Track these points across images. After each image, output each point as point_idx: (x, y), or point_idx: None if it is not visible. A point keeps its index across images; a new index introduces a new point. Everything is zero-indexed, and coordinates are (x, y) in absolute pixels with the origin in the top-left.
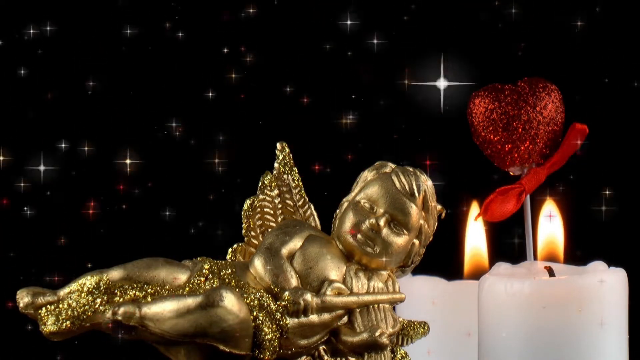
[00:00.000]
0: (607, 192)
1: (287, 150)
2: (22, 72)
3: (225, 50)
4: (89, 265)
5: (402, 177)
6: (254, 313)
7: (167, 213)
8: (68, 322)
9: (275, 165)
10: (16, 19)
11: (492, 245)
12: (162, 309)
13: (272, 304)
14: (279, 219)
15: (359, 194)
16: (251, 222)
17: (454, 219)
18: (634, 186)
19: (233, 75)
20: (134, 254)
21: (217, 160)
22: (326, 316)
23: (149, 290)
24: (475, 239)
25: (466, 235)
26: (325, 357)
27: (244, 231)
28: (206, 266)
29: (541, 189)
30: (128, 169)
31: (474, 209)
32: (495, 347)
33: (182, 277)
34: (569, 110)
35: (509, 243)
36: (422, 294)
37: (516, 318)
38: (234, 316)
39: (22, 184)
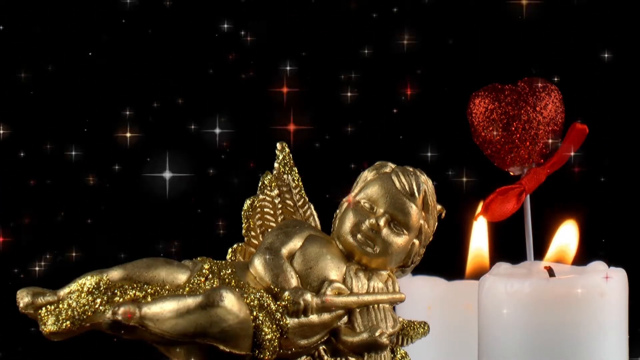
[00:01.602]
0: (607, 192)
1: (287, 150)
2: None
3: (228, 50)
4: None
5: (402, 177)
6: (254, 313)
7: (167, 213)
8: (68, 322)
9: (275, 165)
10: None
11: (493, 245)
12: (162, 309)
13: (272, 304)
14: (279, 219)
15: (359, 194)
16: (251, 222)
17: (454, 219)
18: (634, 186)
19: (233, 75)
20: (134, 254)
21: (217, 161)
22: (326, 316)
23: (149, 290)
24: (479, 239)
25: (471, 235)
26: (325, 357)
27: (244, 231)
28: (206, 266)
29: (541, 188)
30: (128, 169)
31: (477, 209)
32: (495, 346)
33: (182, 277)
34: (569, 110)
35: (509, 243)
36: (422, 294)
37: (516, 318)
38: (234, 316)
39: (21, 183)
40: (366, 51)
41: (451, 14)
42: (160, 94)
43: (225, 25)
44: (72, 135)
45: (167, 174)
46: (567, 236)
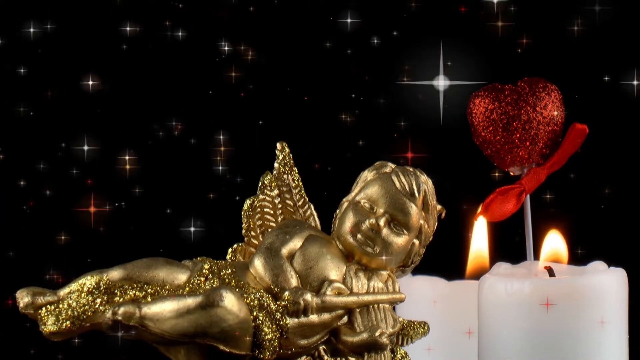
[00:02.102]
0: (607, 192)
1: (287, 150)
2: (22, 71)
3: (225, 49)
4: (89, 265)
5: (402, 177)
6: (254, 313)
7: (168, 212)
8: (68, 322)
9: (275, 165)
10: (15, 17)
11: (493, 245)
12: (162, 309)
13: (272, 304)
14: (279, 219)
15: (359, 194)
16: (251, 222)
17: (454, 219)
18: (633, 186)
19: (233, 75)
20: (134, 254)
21: (217, 160)
22: (326, 316)
23: (149, 290)
24: (479, 239)
25: (472, 235)
26: (325, 357)
27: (244, 231)
28: (206, 266)
29: (541, 188)
30: (128, 169)
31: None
32: (495, 347)
33: (182, 277)
34: (569, 110)
35: (509, 243)
36: (422, 294)
37: (516, 318)
38: (234, 316)
39: (21, 183)
40: (366, 49)
41: (451, 14)
42: (161, 92)
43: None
44: (72, 133)
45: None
46: (555, 242)
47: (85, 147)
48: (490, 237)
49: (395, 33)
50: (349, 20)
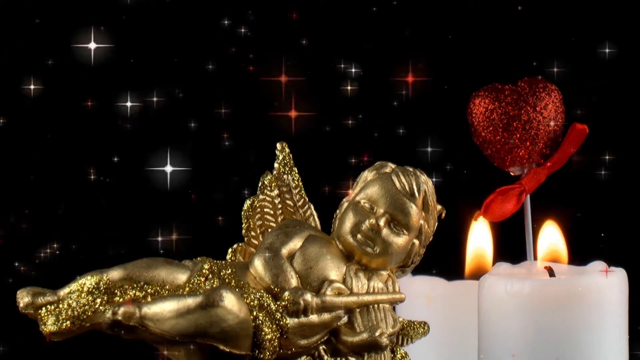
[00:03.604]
0: (607, 192)
1: (287, 150)
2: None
3: (227, 49)
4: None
5: (402, 177)
6: (254, 313)
7: (168, 212)
8: (68, 322)
9: (275, 165)
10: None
11: (494, 245)
12: (162, 309)
13: (272, 304)
14: (279, 219)
15: (359, 194)
16: (251, 222)
17: (454, 219)
18: (633, 186)
19: (233, 76)
20: (134, 254)
21: (217, 160)
22: (326, 316)
23: (149, 290)
24: (480, 239)
25: (469, 235)
26: (325, 357)
27: (244, 231)
28: (206, 266)
29: (541, 188)
30: (128, 169)
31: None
32: (495, 347)
33: (182, 277)
34: (569, 110)
35: (509, 243)
36: (422, 294)
37: (516, 318)
38: (234, 316)
39: (22, 184)
40: (366, 49)
41: (451, 14)
42: (160, 90)
43: (225, 22)
44: (71, 129)
45: (168, 168)
46: (552, 237)
47: (85, 146)
48: (492, 237)
49: (394, 33)
50: (350, 20)
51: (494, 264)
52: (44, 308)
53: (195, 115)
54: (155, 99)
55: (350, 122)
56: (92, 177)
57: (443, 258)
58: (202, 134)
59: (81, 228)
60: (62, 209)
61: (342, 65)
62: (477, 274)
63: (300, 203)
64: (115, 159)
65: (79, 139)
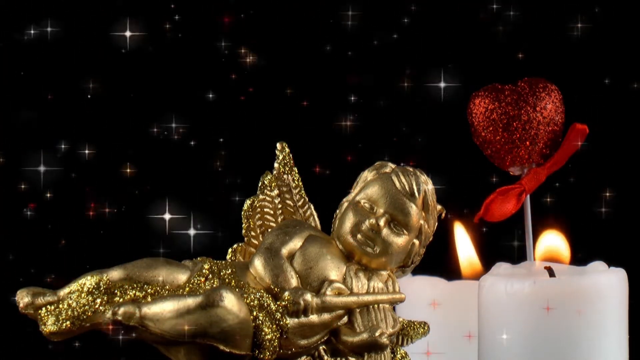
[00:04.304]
0: (607, 193)
1: (287, 150)
2: (22, 72)
3: (226, 51)
4: (89, 265)
5: (402, 177)
6: (254, 313)
7: (168, 213)
8: (68, 322)
9: (275, 165)
10: (16, 19)
11: (483, 248)
12: (162, 309)
13: (272, 304)
14: (279, 219)
15: (359, 194)
16: (251, 222)
17: (454, 220)
18: (633, 186)
19: (233, 77)
20: (134, 254)
21: (217, 161)
22: (326, 316)
23: (149, 290)
24: (463, 246)
25: (455, 241)
26: (325, 357)
27: (244, 231)
28: (206, 266)
29: (541, 189)
30: (128, 170)
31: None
32: (495, 347)
33: (182, 277)
34: (569, 110)
35: (508, 243)
36: (422, 294)
37: (516, 318)
38: (234, 316)
39: (22, 185)
40: (366, 51)
41: (451, 14)
42: (161, 94)
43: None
44: (72, 135)
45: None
46: (549, 242)
47: (86, 150)
48: (481, 240)
49: (394, 34)
50: (349, 23)
51: (484, 265)
52: (44, 308)
53: (195, 115)
54: (155, 99)
55: (350, 122)
56: (92, 180)
57: (443, 258)
58: (202, 134)
59: (81, 228)
60: (62, 211)
61: (342, 65)
62: (472, 276)
63: (300, 203)
64: (115, 159)
65: (78, 143)
